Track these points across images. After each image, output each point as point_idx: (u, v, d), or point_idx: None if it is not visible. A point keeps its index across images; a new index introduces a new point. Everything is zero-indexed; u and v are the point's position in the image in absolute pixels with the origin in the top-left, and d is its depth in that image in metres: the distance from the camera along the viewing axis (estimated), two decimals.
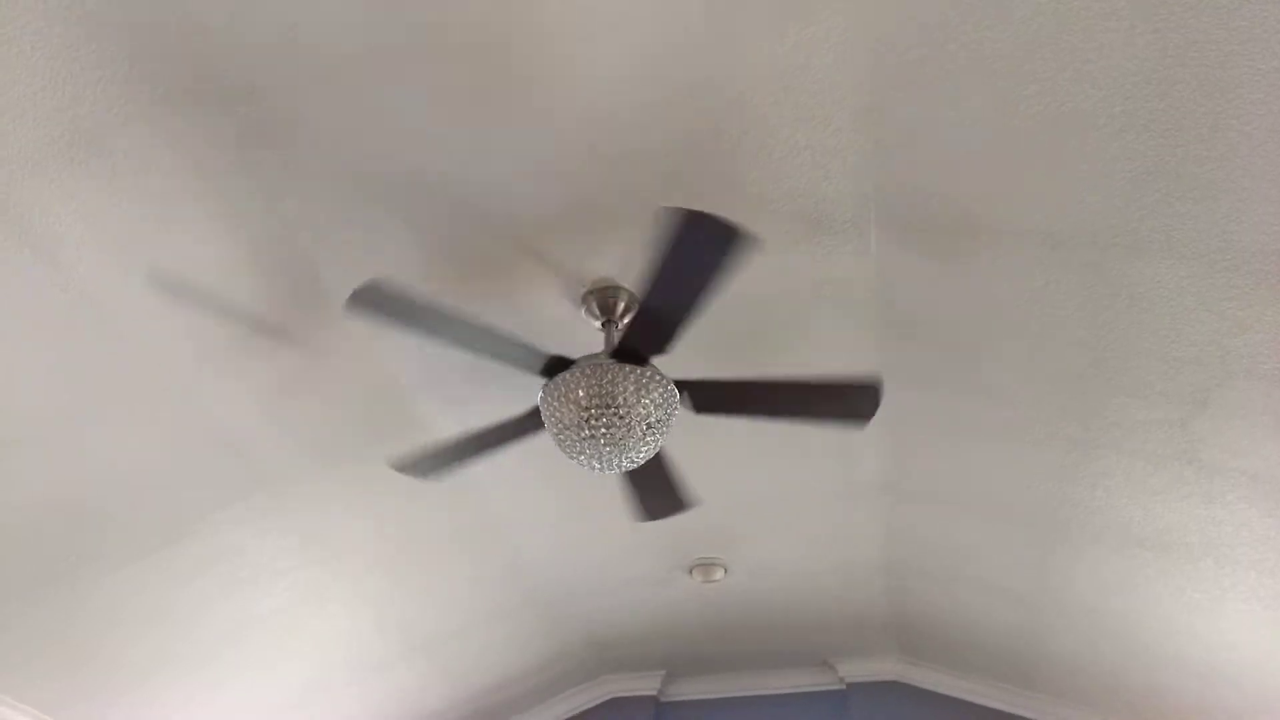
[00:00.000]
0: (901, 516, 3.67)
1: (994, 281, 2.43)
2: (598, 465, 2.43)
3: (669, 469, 2.74)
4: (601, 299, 2.58)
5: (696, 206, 2.27)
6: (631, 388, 2.33)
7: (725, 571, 4.13)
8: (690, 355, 2.73)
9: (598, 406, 2.32)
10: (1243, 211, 2.00)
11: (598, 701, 5.13)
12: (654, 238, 2.08)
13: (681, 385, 2.43)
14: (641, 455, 2.43)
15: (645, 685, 5.09)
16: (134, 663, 3.36)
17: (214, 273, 2.36)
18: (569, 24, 1.87)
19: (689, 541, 3.91)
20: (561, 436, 2.40)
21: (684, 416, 2.93)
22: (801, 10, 1.84)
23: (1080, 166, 2.05)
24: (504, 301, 2.62)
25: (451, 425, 3.05)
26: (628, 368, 2.33)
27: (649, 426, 2.37)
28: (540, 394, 2.42)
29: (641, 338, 2.27)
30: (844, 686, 4.94)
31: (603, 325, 2.60)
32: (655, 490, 2.82)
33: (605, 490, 3.51)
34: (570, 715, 5.13)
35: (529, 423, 2.55)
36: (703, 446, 3.16)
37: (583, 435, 2.36)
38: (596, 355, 2.37)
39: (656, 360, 2.42)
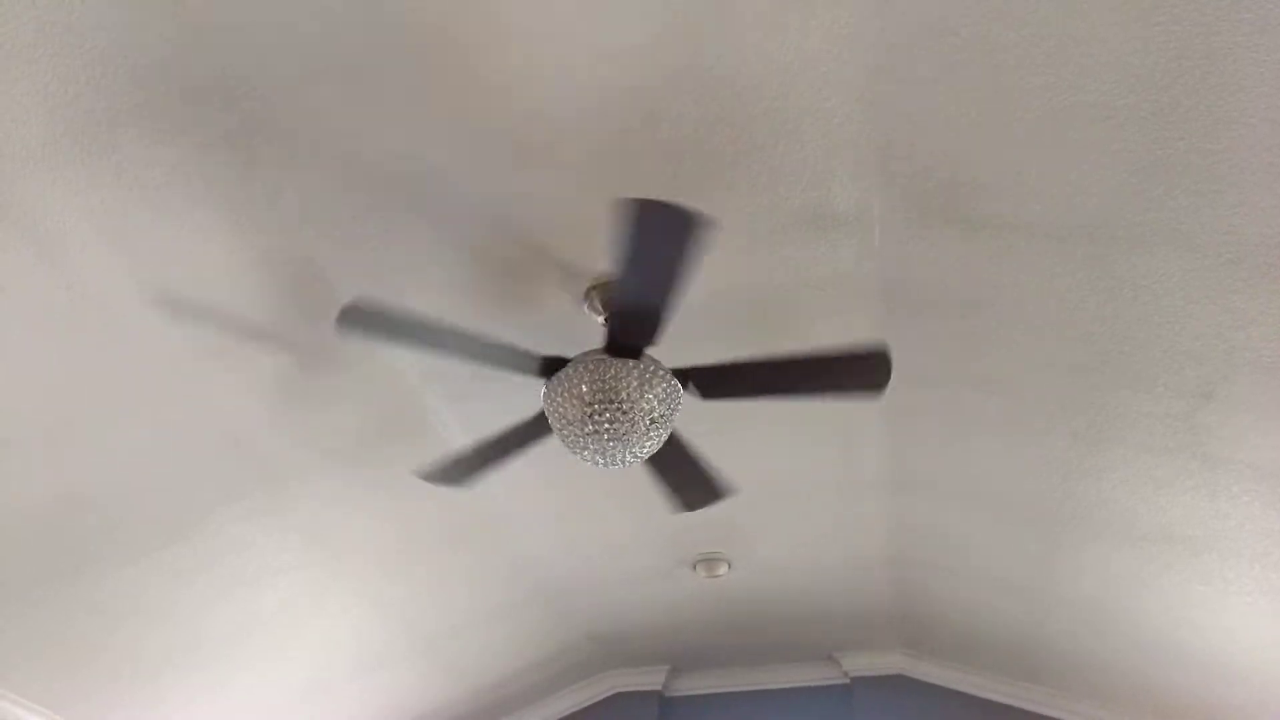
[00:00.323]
0: (905, 510, 3.66)
1: (998, 274, 2.43)
2: (602, 461, 2.43)
3: (698, 458, 2.73)
4: (604, 294, 2.57)
5: (696, 199, 2.27)
6: (635, 382, 2.33)
7: (729, 566, 4.13)
8: (695, 347, 2.73)
9: (601, 402, 2.32)
10: (1247, 204, 1.99)
11: (601, 697, 5.14)
12: (615, 231, 2.08)
13: (687, 372, 2.42)
14: (646, 449, 2.43)
15: (649, 680, 5.09)
16: (138, 660, 3.37)
17: (216, 270, 2.36)
18: (571, 17, 1.87)
19: (692, 536, 3.91)
20: (565, 433, 2.40)
21: (688, 412, 2.93)
22: (804, 2, 1.84)
23: (1084, 159, 2.04)
24: (506, 298, 2.61)
25: (458, 422, 3.05)
26: (630, 363, 2.33)
27: (652, 421, 2.37)
28: (543, 392, 2.42)
29: (628, 330, 2.27)
30: (848, 681, 4.95)
31: (605, 320, 2.60)
32: (689, 481, 2.82)
33: (607, 486, 3.51)
34: (574, 711, 5.13)
35: (540, 426, 2.56)
36: (706, 442, 3.16)
37: (586, 431, 2.36)
38: (593, 351, 2.38)
39: (656, 352, 2.41)
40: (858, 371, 2.36)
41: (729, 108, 2.06)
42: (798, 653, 4.97)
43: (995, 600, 4.00)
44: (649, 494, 3.45)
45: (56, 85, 1.87)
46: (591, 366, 2.34)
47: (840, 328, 2.75)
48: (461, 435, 3.09)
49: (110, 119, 1.96)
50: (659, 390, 2.35)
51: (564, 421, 2.39)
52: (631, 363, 2.33)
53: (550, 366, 2.39)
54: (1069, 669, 4.24)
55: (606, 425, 2.34)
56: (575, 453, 2.45)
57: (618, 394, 2.32)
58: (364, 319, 2.13)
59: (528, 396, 2.89)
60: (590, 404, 2.33)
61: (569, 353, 2.42)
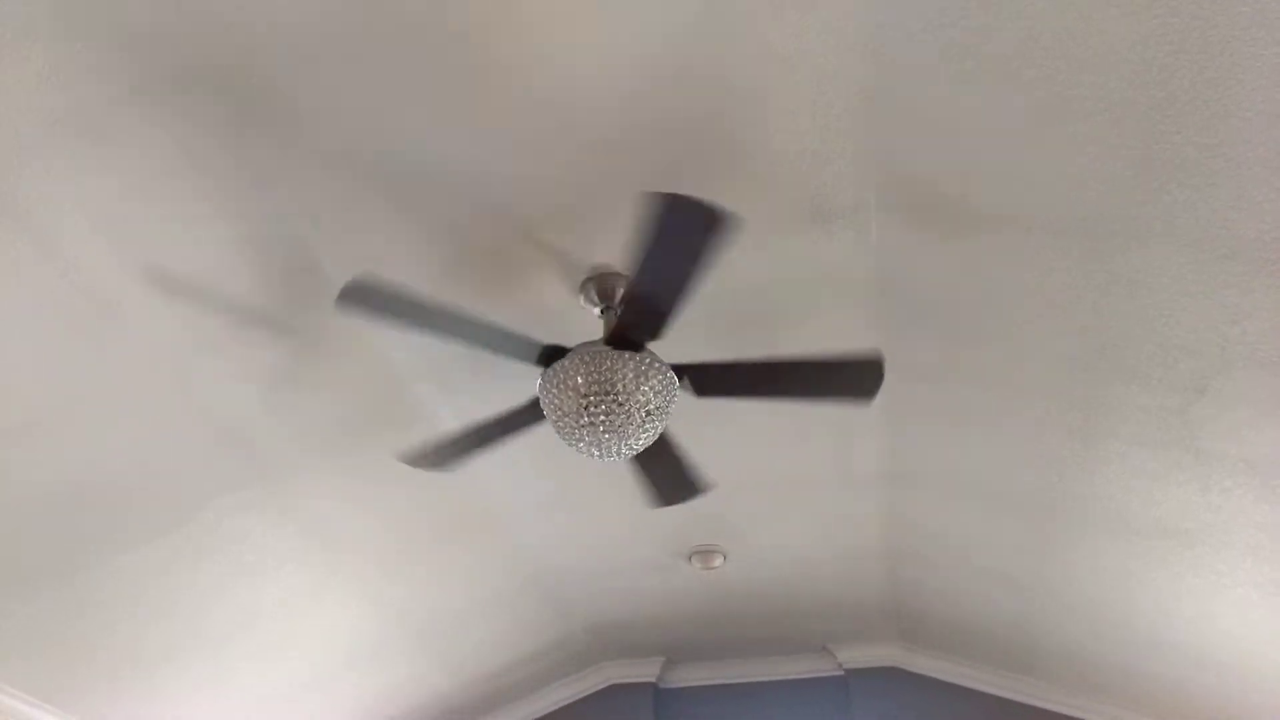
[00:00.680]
0: (900, 503, 3.67)
1: (994, 268, 2.43)
2: (597, 453, 2.43)
3: (680, 454, 2.74)
4: (600, 285, 2.57)
5: (696, 193, 2.27)
6: (631, 375, 2.33)
7: (724, 558, 4.14)
8: (690, 342, 2.73)
9: (597, 394, 2.32)
10: (1242, 199, 2.00)
11: (596, 689, 5.15)
12: (638, 223, 2.07)
13: (682, 369, 2.43)
14: (641, 442, 2.43)
15: (644, 672, 5.10)
16: (138, 653, 3.37)
17: (212, 259, 2.36)
18: (567, 10, 1.86)
19: (688, 528, 3.92)
20: (561, 424, 2.40)
21: (683, 403, 2.94)
22: None
23: (1079, 153, 2.04)
24: (502, 288, 2.61)
25: (451, 412, 3.05)
26: (626, 354, 2.33)
27: (648, 414, 2.37)
28: (539, 382, 2.42)
29: (635, 324, 2.27)
30: (843, 673, 4.96)
31: (602, 312, 2.60)
32: (668, 476, 2.83)
33: (603, 478, 3.51)
34: (569, 702, 5.14)
35: (532, 413, 2.56)
36: (702, 433, 3.16)
37: (582, 423, 2.36)
38: (593, 342, 2.37)
39: (653, 346, 2.42)
40: (850, 377, 2.39)
41: (724, 103, 2.06)
42: (793, 645, 4.98)
43: (989, 593, 4.02)
44: None
45: (49, 74, 1.86)
46: (589, 358, 2.34)
47: (836, 323, 2.76)
48: (457, 427, 3.09)
49: (103, 106, 1.95)
50: (655, 383, 2.36)
51: (560, 413, 2.39)
52: (629, 355, 2.33)
53: (549, 355, 2.39)
54: (1062, 661, 4.26)
55: (602, 417, 2.34)
56: (570, 444, 2.45)
57: (614, 386, 2.32)
58: (365, 297, 2.11)
59: (524, 388, 2.89)
60: (586, 395, 2.33)
61: (564, 344, 2.42)
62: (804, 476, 3.56)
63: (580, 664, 5.07)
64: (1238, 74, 1.78)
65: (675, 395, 2.43)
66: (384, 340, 2.72)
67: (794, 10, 1.86)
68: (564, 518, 3.79)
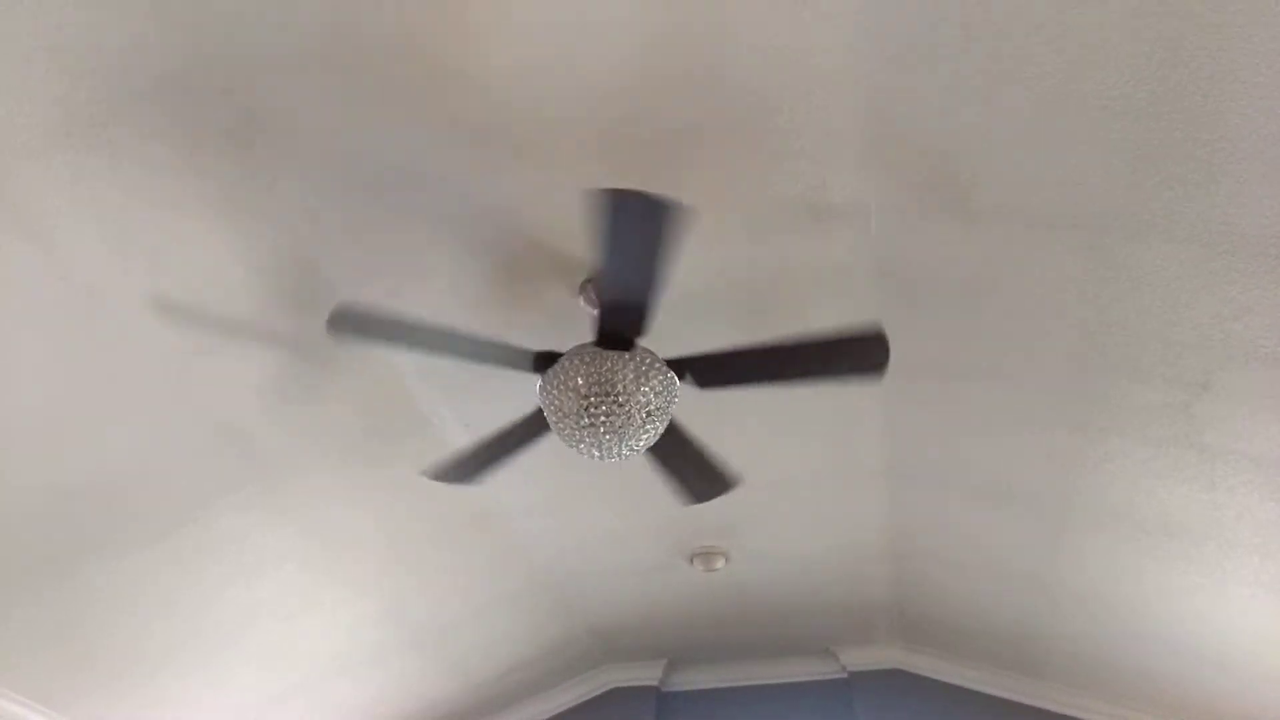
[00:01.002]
0: (903, 502, 3.66)
1: (995, 265, 2.42)
2: (598, 454, 2.43)
3: (704, 450, 2.72)
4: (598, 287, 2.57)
5: (696, 191, 2.27)
6: (631, 375, 2.32)
7: (726, 560, 4.13)
8: (692, 336, 2.72)
9: (597, 395, 2.31)
10: (1243, 194, 1.99)
11: (599, 692, 5.13)
12: (592, 222, 2.07)
13: (683, 362, 2.41)
14: (642, 443, 2.42)
15: (646, 675, 5.09)
16: (136, 656, 3.36)
17: (212, 264, 2.35)
18: (565, 11, 1.86)
19: (689, 530, 3.91)
20: (561, 425, 2.40)
21: (684, 405, 2.93)
22: None
23: (1080, 149, 2.04)
24: (502, 292, 2.61)
25: (452, 416, 3.05)
26: (626, 355, 2.32)
27: (648, 414, 2.36)
28: (539, 384, 2.41)
29: (616, 322, 2.26)
30: (846, 675, 4.95)
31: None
32: (696, 473, 2.81)
33: (604, 480, 3.50)
34: (571, 706, 5.13)
35: (540, 421, 2.56)
36: (703, 434, 3.15)
37: (582, 424, 2.35)
38: (584, 345, 2.37)
39: (652, 343, 2.41)
40: (856, 354, 2.34)
41: (724, 99, 2.06)
42: (795, 647, 4.97)
43: (991, 592, 4.01)
44: (645, 488, 3.45)
45: (52, 80, 1.86)
46: (586, 360, 2.33)
47: (837, 318, 2.75)
48: (458, 430, 3.09)
49: (106, 114, 1.95)
50: (655, 382, 2.35)
51: (560, 415, 2.38)
52: (627, 355, 2.33)
53: (543, 361, 2.38)
54: (1067, 662, 4.25)
55: (603, 418, 2.33)
56: (572, 446, 2.44)
57: (614, 386, 2.31)
58: (353, 322, 2.13)
59: (525, 389, 2.89)
60: (586, 397, 2.32)
61: (568, 345, 2.41)
62: (804, 477, 3.55)
63: (582, 667, 5.06)
64: (1237, 70, 1.77)
65: (675, 395, 2.42)
66: (382, 351, 2.71)
67: (792, 6, 1.85)
68: (565, 520, 3.78)
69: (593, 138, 2.15)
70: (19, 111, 1.90)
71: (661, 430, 2.45)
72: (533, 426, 2.59)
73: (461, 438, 3.07)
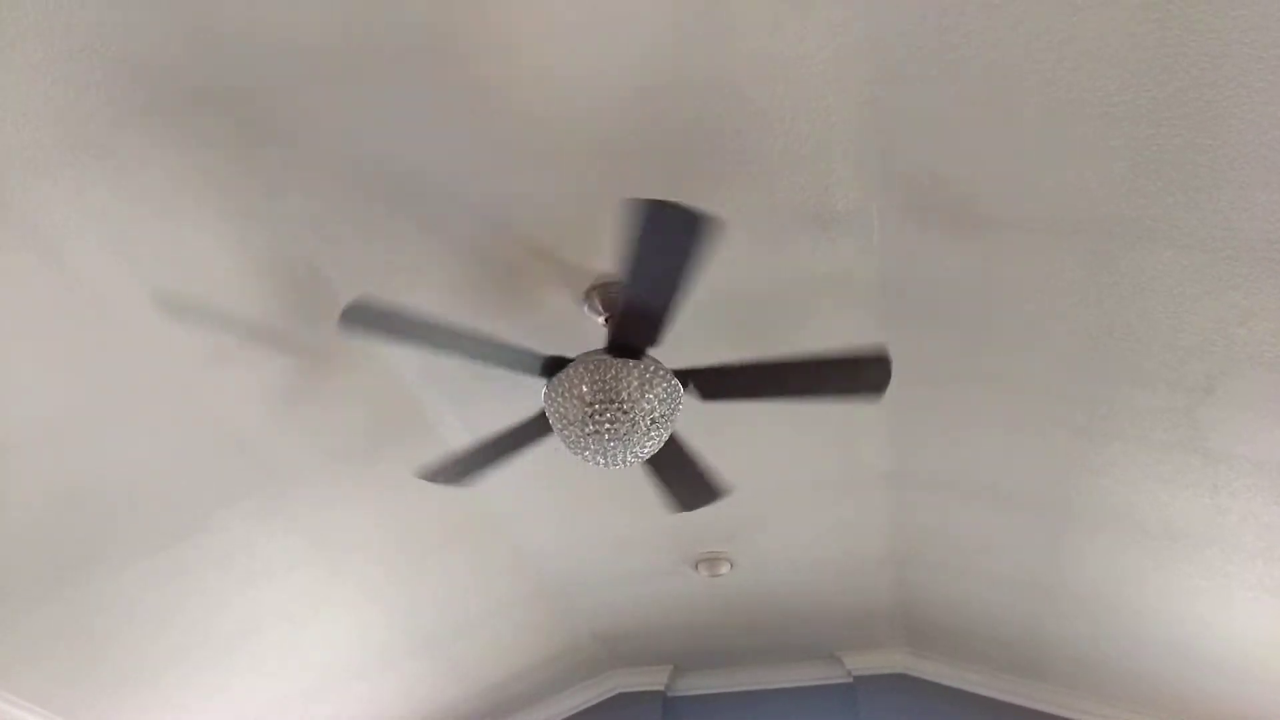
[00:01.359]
0: (907, 507, 3.66)
1: (998, 270, 2.43)
2: (603, 461, 2.44)
3: (696, 459, 2.74)
4: (604, 295, 2.58)
5: (699, 199, 2.27)
6: (635, 383, 2.33)
7: (731, 565, 4.13)
8: (695, 348, 2.73)
9: (602, 402, 2.32)
10: (1246, 199, 2.00)
11: (605, 697, 5.14)
12: (623, 230, 2.08)
13: (687, 374, 2.43)
14: (646, 450, 2.43)
15: (652, 680, 5.09)
16: (142, 662, 3.37)
17: (218, 270, 2.37)
18: (569, 20, 1.87)
19: (694, 536, 3.91)
20: (566, 433, 2.40)
21: (689, 410, 2.94)
22: (800, 1, 1.84)
23: (1082, 155, 2.04)
24: (508, 298, 2.62)
25: (459, 421, 3.05)
26: (630, 363, 2.33)
27: (653, 421, 2.37)
28: (544, 391, 2.42)
29: (631, 331, 2.27)
30: (851, 680, 4.95)
31: (605, 321, 2.60)
32: (686, 481, 2.83)
33: (610, 486, 3.51)
34: (577, 711, 5.14)
35: (541, 425, 2.57)
36: (707, 440, 3.16)
37: (587, 431, 2.36)
38: (594, 352, 2.38)
39: (658, 352, 2.42)
40: (858, 374, 2.37)
41: (728, 107, 2.06)
42: (800, 652, 4.97)
43: (997, 597, 4.00)
44: (651, 493, 3.46)
45: (58, 88, 1.87)
46: (592, 367, 2.34)
47: (840, 326, 2.76)
48: (463, 435, 3.10)
49: (111, 121, 1.96)
50: (659, 390, 2.36)
51: (565, 421, 2.39)
52: (632, 363, 2.34)
53: (551, 366, 2.39)
54: (1071, 666, 4.24)
55: (607, 425, 2.34)
56: (576, 453, 2.45)
57: (618, 394, 2.32)
58: (366, 318, 2.13)
59: (529, 396, 2.90)
60: (591, 404, 2.33)
61: (570, 353, 2.42)
62: (810, 482, 3.55)
63: (588, 672, 5.06)
64: (1239, 76, 1.78)
65: (680, 403, 2.43)
66: (390, 351, 2.72)
67: (795, 15, 1.86)
68: (571, 525, 3.79)
69: (596, 147, 2.16)
70: (26, 123, 1.92)
71: (666, 438, 2.46)
72: (531, 430, 2.60)
73: (465, 441, 3.08)
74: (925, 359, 2.83)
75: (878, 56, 1.94)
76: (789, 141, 2.15)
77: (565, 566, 4.06)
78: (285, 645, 3.72)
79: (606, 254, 2.47)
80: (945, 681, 4.81)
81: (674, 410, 2.42)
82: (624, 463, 2.45)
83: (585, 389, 2.34)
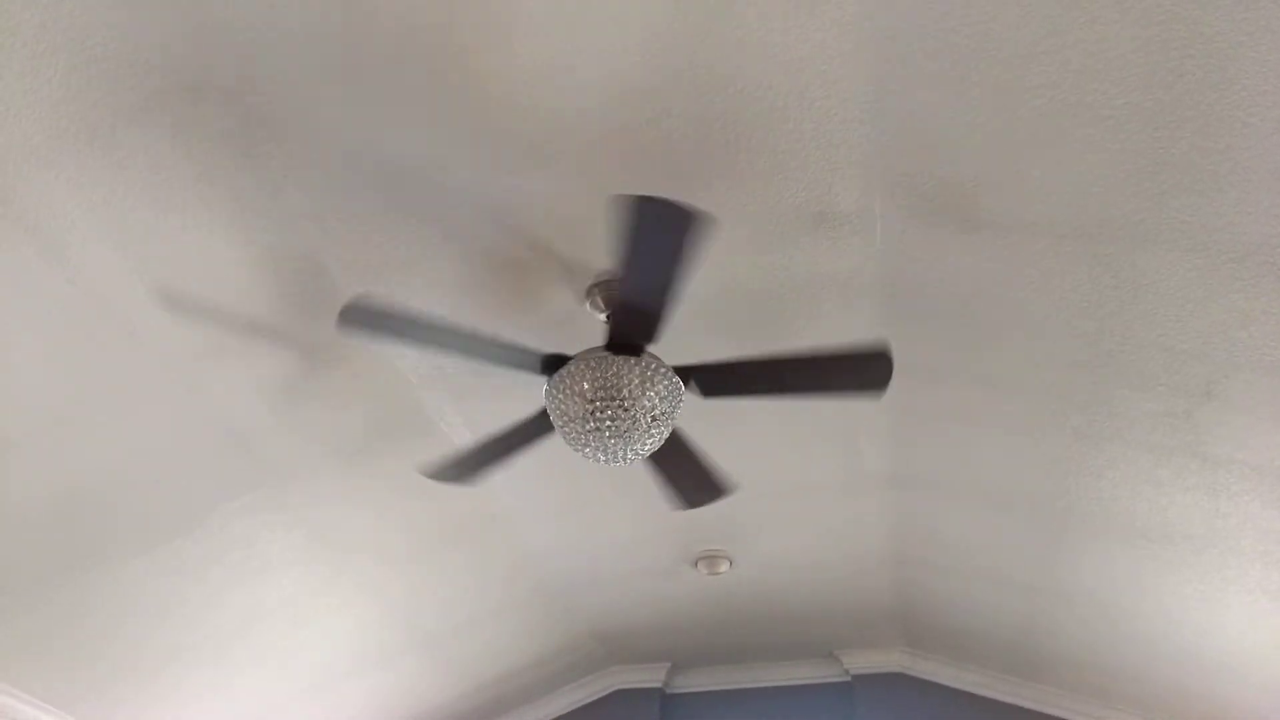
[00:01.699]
0: (907, 508, 3.67)
1: (1000, 272, 2.43)
2: (603, 458, 2.44)
3: (700, 456, 2.74)
4: (605, 292, 2.58)
5: (701, 197, 2.27)
6: (637, 380, 2.33)
7: (730, 564, 4.14)
8: (697, 346, 2.73)
9: (603, 399, 2.33)
10: (1248, 203, 2.00)
11: (603, 694, 5.14)
12: (615, 227, 2.09)
13: (688, 371, 2.43)
14: (647, 447, 2.43)
15: (650, 678, 5.10)
16: (142, 657, 3.38)
17: (218, 266, 2.37)
18: (573, 16, 1.87)
19: (693, 534, 3.91)
20: (567, 430, 2.41)
21: (688, 409, 2.94)
22: (806, 0, 1.84)
23: (1085, 158, 2.04)
24: (510, 295, 2.62)
25: (460, 418, 3.06)
26: (631, 360, 2.34)
27: (654, 419, 2.37)
28: (545, 388, 2.43)
29: (629, 328, 2.28)
30: (849, 678, 4.95)
31: (607, 318, 2.60)
32: (691, 478, 2.83)
33: (609, 484, 3.51)
34: (575, 707, 5.14)
35: (543, 422, 2.57)
36: (707, 439, 3.16)
37: (588, 428, 2.36)
38: (595, 349, 2.38)
39: (658, 349, 2.42)
40: (859, 371, 2.37)
41: (730, 106, 2.07)
42: (799, 650, 4.97)
43: (995, 597, 4.01)
44: (651, 491, 3.45)
45: (59, 82, 1.87)
46: (593, 364, 2.35)
47: (842, 326, 2.76)
48: (464, 432, 3.10)
49: (112, 116, 1.96)
50: (660, 388, 2.36)
51: (566, 419, 2.39)
52: (633, 360, 2.34)
53: (552, 364, 2.40)
54: (1069, 667, 4.25)
55: (608, 422, 2.35)
56: (577, 450, 2.46)
57: (619, 391, 2.33)
58: (365, 317, 2.14)
59: (530, 393, 2.90)
60: (592, 401, 2.34)
61: (571, 350, 2.42)
62: (809, 481, 3.56)
63: (587, 669, 5.06)
64: (1242, 79, 1.78)
65: (681, 400, 2.43)
66: (390, 349, 2.72)
67: (799, 14, 1.86)
68: (570, 523, 3.79)
69: (599, 143, 2.16)
70: (27, 117, 1.92)
71: (666, 435, 2.46)
72: (534, 428, 2.60)
73: (467, 439, 3.08)
74: (926, 359, 2.83)
75: (882, 57, 1.94)
76: (792, 139, 2.15)
77: (565, 564, 4.07)
78: (285, 641, 3.72)
79: (608, 250, 2.47)
80: (942, 681, 4.82)
81: (675, 407, 2.42)
82: (625, 460, 2.45)
83: (586, 386, 2.34)
